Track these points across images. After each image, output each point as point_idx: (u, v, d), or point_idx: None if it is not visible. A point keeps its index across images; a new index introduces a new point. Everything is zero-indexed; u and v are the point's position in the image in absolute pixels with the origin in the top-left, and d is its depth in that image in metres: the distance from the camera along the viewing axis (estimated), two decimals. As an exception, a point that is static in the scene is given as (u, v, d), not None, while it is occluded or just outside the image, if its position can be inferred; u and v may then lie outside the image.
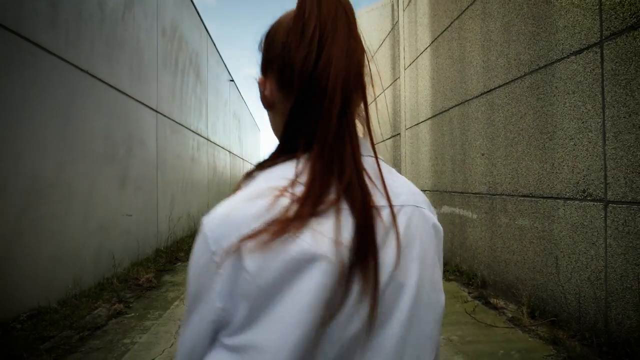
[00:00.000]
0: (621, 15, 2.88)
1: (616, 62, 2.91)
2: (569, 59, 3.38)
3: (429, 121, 6.69)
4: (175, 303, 4.66)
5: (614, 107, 2.93)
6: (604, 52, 3.01)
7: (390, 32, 9.04)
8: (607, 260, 3.04)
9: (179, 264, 6.92)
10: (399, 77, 8.30)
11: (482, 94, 4.88)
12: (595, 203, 3.14)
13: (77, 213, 4.77)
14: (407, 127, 7.87)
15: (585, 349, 3.05)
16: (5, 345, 3.25)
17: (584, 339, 3.17)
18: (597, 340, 3.06)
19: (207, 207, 11.83)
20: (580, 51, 3.25)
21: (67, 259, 4.54)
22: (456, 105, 5.61)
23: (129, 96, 6.24)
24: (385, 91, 9.43)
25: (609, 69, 2.97)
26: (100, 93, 5.34)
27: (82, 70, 4.84)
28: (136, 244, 6.48)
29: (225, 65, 15.54)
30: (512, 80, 4.22)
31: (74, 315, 4.01)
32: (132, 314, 4.28)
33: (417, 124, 7.24)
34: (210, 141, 12.45)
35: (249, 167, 23.69)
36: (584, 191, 3.26)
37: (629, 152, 2.83)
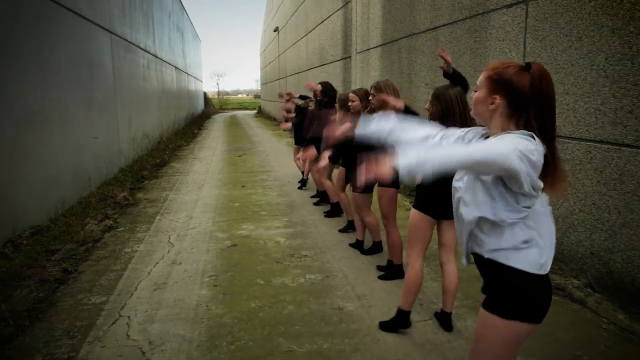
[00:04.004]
0: (543, -21, 3.51)
1: (536, 20, 3.59)
2: (501, 10, 4.02)
3: (379, 48, 7.21)
4: (158, 217, 5.24)
5: (531, 57, 3.66)
6: (529, 9, 3.67)
7: (342, -49, 9.10)
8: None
9: (146, 182, 7.38)
10: (350, 1, 8.57)
11: (428, 30, 5.46)
12: (512, 132, 3.98)
13: (56, 138, 5.07)
14: (357, 51, 8.34)
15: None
16: (21, 256, 3.76)
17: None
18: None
19: (160, 125, 11.96)
20: (510, 5, 3.89)
21: (52, 182, 4.93)
22: (405, 37, 6.16)
23: (87, 19, 6.22)
24: (337, 12, 9.67)
25: (530, 25, 3.65)
26: (64, 19, 5.37)
27: (46, -4, 4.87)
28: (104, 164, 6.82)
29: (166, -27, 14.71)
30: (455, 22, 4.82)
31: (70, 231, 4.52)
32: (122, 228, 4.84)
33: (368, 49, 7.74)
34: (158, 58, 12.24)
35: (193, 81, 23.13)
36: (504, 122, 4.08)
37: (538, 94, 3.62)
